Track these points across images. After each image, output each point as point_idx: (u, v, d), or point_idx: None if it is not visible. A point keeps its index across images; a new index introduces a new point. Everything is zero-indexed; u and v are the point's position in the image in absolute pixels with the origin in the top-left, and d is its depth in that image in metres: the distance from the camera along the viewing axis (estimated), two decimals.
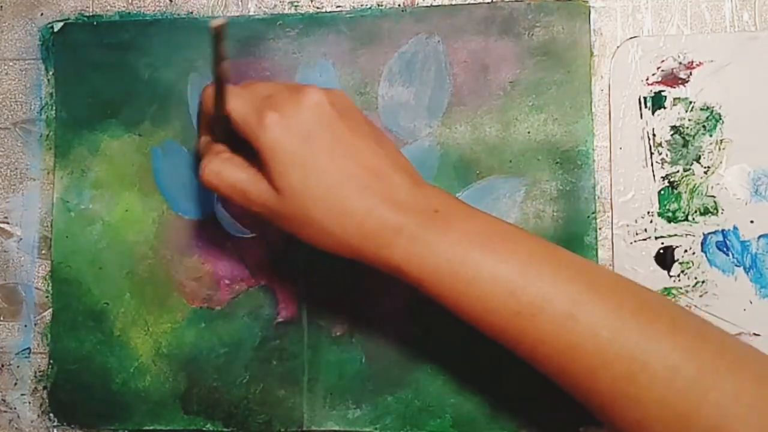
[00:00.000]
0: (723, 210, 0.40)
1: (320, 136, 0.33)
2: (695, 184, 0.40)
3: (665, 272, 0.40)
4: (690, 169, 0.40)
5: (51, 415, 0.43)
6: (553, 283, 0.31)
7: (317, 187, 0.32)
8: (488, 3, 0.42)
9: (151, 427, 0.42)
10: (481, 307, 0.31)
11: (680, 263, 0.40)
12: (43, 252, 0.44)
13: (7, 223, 0.44)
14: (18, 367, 0.44)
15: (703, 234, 0.40)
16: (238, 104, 0.33)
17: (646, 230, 0.40)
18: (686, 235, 0.40)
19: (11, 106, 0.45)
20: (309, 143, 0.32)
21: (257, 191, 0.33)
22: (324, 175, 0.32)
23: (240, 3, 0.44)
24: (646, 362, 0.29)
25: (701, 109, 0.40)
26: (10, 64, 0.45)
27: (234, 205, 0.42)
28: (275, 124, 0.32)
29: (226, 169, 0.34)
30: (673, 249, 0.40)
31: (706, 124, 0.40)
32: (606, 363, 0.30)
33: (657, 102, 0.40)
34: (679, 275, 0.40)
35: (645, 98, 0.41)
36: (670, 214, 0.40)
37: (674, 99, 0.40)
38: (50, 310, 0.44)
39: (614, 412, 0.30)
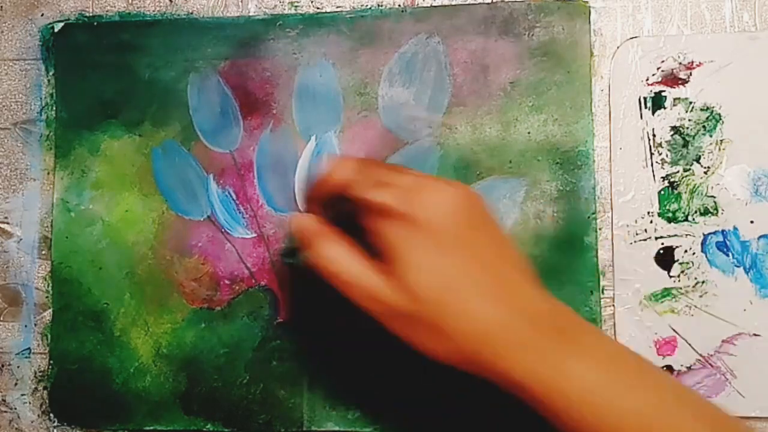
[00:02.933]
0: (723, 210, 0.40)
1: (460, 237, 0.31)
2: (695, 185, 0.40)
3: (665, 272, 0.40)
4: (690, 169, 0.40)
5: (51, 415, 0.43)
6: (678, 415, 0.30)
7: (451, 294, 0.31)
8: (488, 3, 0.42)
9: (152, 428, 0.42)
10: None
11: (680, 263, 0.40)
12: (43, 252, 0.44)
13: (8, 223, 0.44)
14: (18, 367, 0.44)
15: (703, 234, 0.40)
16: (381, 194, 0.32)
17: (646, 230, 0.40)
18: (686, 235, 0.40)
19: (11, 106, 0.45)
20: (452, 243, 0.31)
21: (377, 287, 0.32)
22: (459, 278, 0.31)
23: (240, 3, 0.44)
24: None
25: (701, 110, 0.40)
26: (11, 64, 0.45)
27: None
28: (424, 212, 0.31)
29: (344, 256, 0.33)
30: (673, 249, 0.40)
31: (706, 124, 0.40)
32: None
33: (657, 102, 0.40)
34: (679, 275, 0.40)
35: (645, 98, 0.40)
36: (670, 215, 0.40)
37: (674, 99, 0.40)
38: (50, 310, 0.44)
39: None
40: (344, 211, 0.33)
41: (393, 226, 0.32)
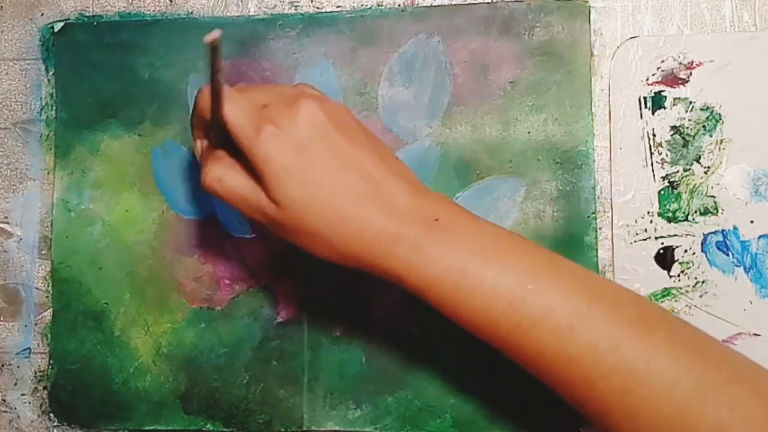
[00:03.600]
0: (723, 210, 0.40)
1: (316, 147, 0.32)
2: (695, 184, 0.40)
3: (665, 272, 0.40)
4: (690, 169, 0.40)
5: (51, 415, 0.43)
6: (553, 294, 0.31)
7: (315, 199, 0.32)
8: (488, 3, 0.42)
9: (152, 427, 0.42)
10: (481, 319, 0.32)
11: (680, 263, 0.40)
12: (43, 252, 0.44)
13: (7, 223, 0.44)
14: (18, 367, 0.44)
15: (703, 234, 0.40)
16: (236, 114, 0.33)
17: (646, 230, 0.40)
18: (686, 235, 0.40)
19: (11, 106, 0.45)
20: (305, 155, 0.32)
21: (257, 200, 0.33)
22: (321, 187, 0.32)
23: (240, 3, 0.44)
24: (644, 375, 0.29)
25: (701, 109, 0.40)
26: (11, 64, 0.45)
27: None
28: (271, 137, 0.32)
29: (228, 176, 0.34)
30: (673, 249, 0.40)
31: (706, 124, 0.40)
32: (604, 375, 0.30)
33: (657, 102, 0.40)
34: (679, 275, 0.40)
35: (645, 98, 0.41)
36: (670, 214, 0.40)
37: (674, 99, 0.40)
38: (50, 310, 0.44)
39: (612, 423, 0.30)
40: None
41: (251, 149, 0.33)
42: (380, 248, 0.32)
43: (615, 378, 0.30)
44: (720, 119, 0.40)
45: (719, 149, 0.40)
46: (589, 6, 0.41)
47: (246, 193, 0.34)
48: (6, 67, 0.45)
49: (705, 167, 0.40)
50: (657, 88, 0.40)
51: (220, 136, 0.35)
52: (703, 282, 0.39)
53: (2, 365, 0.44)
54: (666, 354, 0.29)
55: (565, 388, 0.31)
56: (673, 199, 0.40)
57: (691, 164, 0.40)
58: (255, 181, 0.34)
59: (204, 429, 0.42)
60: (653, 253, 0.40)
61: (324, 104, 0.33)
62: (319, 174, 0.32)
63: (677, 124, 0.40)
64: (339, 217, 0.32)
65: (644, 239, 0.40)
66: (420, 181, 0.35)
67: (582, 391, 0.31)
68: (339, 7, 0.43)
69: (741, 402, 0.28)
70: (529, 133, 0.41)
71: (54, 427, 0.43)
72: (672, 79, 0.40)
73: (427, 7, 0.43)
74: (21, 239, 0.44)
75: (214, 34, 0.29)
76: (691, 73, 0.40)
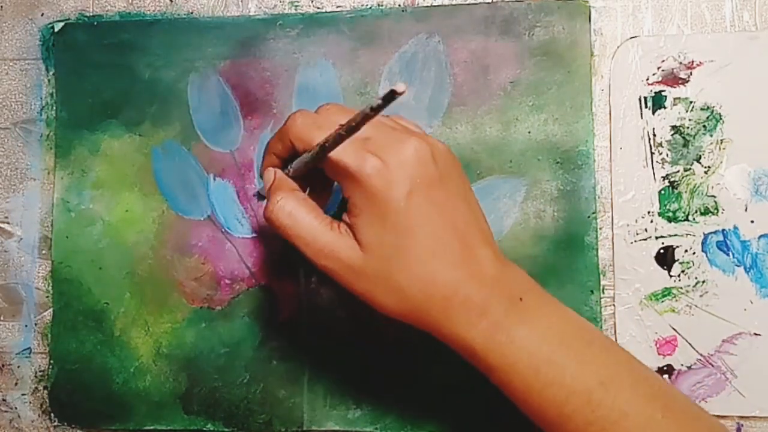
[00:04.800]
0: (723, 210, 0.40)
1: (421, 195, 0.30)
2: (695, 184, 0.40)
3: (665, 272, 0.40)
4: (690, 169, 0.40)
5: (51, 414, 0.43)
6: (630, 398, 0.30)
7: (409, 251, 0.30)
8: (488, 3, 0.42)
9: (152, 427, 0.42)
10: (553, 411, 0.30)
11: (680, 263, 0.40)
12: (44, 252, 0.44)
13: (8, 223, 0.44)
14: (18, 367, 0.44)
15: (704, 234, 0.40)
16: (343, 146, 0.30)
17: (646, 230, 0.40)
18: (686, 235, 0.40)
19: (11, 106, 0.45)
20: (409, 200, 0.30)
21: (332, 242, 0.31)
22: (419, 240, 0.30)
23: (240, 3, 0.44)
24: None
25: (701, 109, 0.40)
26: (11, 64, 0.45)
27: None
28: (375, 171, 0.30)
29: (300, 211, 0.32)
30: (674, 249, 0.40)
31: (706, 124, 0.40)
32: None
33: (657, 102, 0.40)
34: (679, 275, 0.40)
35: (645, 98, 0.40)
36: (670, 214, 0.40)
37: (674, 99, 0.40)
38: (50, 310, 0.44)
39: None
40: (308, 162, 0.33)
41: (352, 181, 0.30)
42: (462, 317, 0.31)
43: None
44: (720, 119, 0.40)
45: (719, 149, 0.40)
46: (589, 6, 0.41)
47: (318, 233, 0.31)
48: (6, 67, 0.45)
49: (705, 167, 0.40)
50: (657, 87, 0.40)
51: (306, 164, 0.33)
52: (703, 282, 0.39)
53: (2, 365, 0.44)
54: None
55: None
56: (674, 199, 0.40)
57: (692, 164, 0.40)
58: (332, 220, 0.32)
59: (204, 429, 0.42)
60: (654, 253, 0.40)
61: (434, 148, 0.31)
62: (420, 225, 0.30)
63: (677, 124, 0.40)
64: (429, 278, 0.30)
65: (644, 239, 0.40)
66: (498, 247, 0.33)
67: None
68: (339, 7, 0.43)
69: None
70: (529, 133, 0.41)
71: (54, 427, 0.43)
72: (672, 79, 0.40)
73: (427, 7, 0.43)
74: (21, 239, 0.44)
75: (402, 86, 0.25)
76: (691, 73, 0.40)
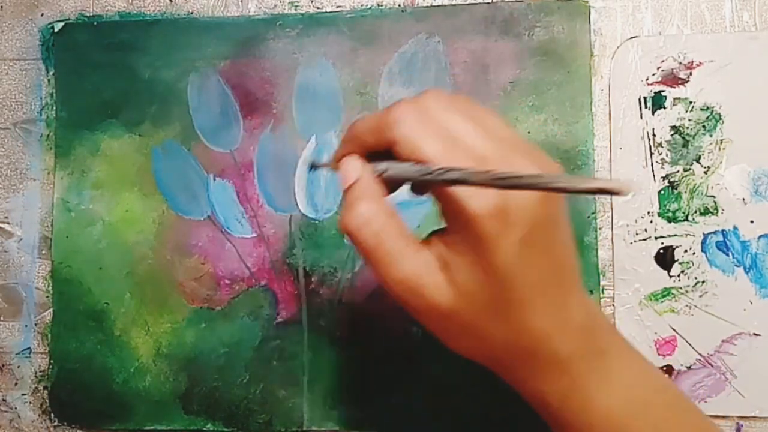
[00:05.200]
0: (723, 210, 0.40)
1: (534, 239, 0.26)
2: (695, 184, 0.40)
3: (665, 272, 0.40)
4: (690, 169, 0.40)
5: (51, 414, 0.43)
6: None
7: (507, 304, 0.27)
8: (488, 3, 0.42)
9: (152, 427, 0.42)
10: None
11: (680, 263, 0.40)
12: (44, 252, 0.44)
13: (8, 223, 0.44)
14: (18, 367, 0.44)
15: (703, 234, 0.40)
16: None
17: (646, 230, 0.40)
18: (686, 235, 0.40)
19: (11, 106, 0.45)
20: (522, 251, 0.26)
21: (421, 277, 0.27)
22: (519, 291, 0.27)
23: (240, 3, 0.44)
24: None
25: (701, 109, 0.40)
26: (11, 64, 0.45)
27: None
28: (497, 213, 0.25)
29: (390, 233, 0.27)
30: (673, 249, 0.40)
31: (706, 124, 0.40)
32: None
33: (657, 102, 0.40)
34: (679, 275, 0.40)
35: (645, 98, 0.40)
36: (670, 214, 0.40)
37: (674, 99, 0.40)
38: (50, 310, 0.44)
39: None
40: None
41: (462, 214, 0.26)
42: (545, 372, 0.28)
43: None
44: (720, 119, 0.40)
45: (719, 149, 0.40)
46: (589, 6, 0.41)
47: (404, 260, 0.27)
48: (6, 67, 0.45)
49: (705, 167, 0.40)
50: (657, 88, 0.40)
51: (403, 180, 0.28)
52: (703, 282, 0.39)
53: (3, 365, 0.44)
54: None
55: None
56: (673, 199, 0.40)
57: (691, 164, 0.40)
58: (424, 249, 0.27)
59: (204, 429, 0.42)
60: (653, 253, 0.40)
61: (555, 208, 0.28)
62: (525, 274, 0.26)
63: (677, 124, 0.40)
64: (519, 328, 0.27)
65: (644, 239, 0.40)
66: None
67: None
68: (339, 7, 0.43)
69: None
70: (529, 133, 0.41)
71: (54, 426, 0.43)
72: (672, 79, 0.40)
73: (427, 7, 0.43)
74: (21, 239, 0.44)
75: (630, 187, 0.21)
76: (691, 73, 0.40)
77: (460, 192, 0.25)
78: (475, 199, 0.25)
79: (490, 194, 0.25)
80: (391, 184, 0.29)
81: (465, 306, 0.27)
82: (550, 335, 0.28)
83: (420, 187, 0.30)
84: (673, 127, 0.40)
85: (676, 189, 0.40)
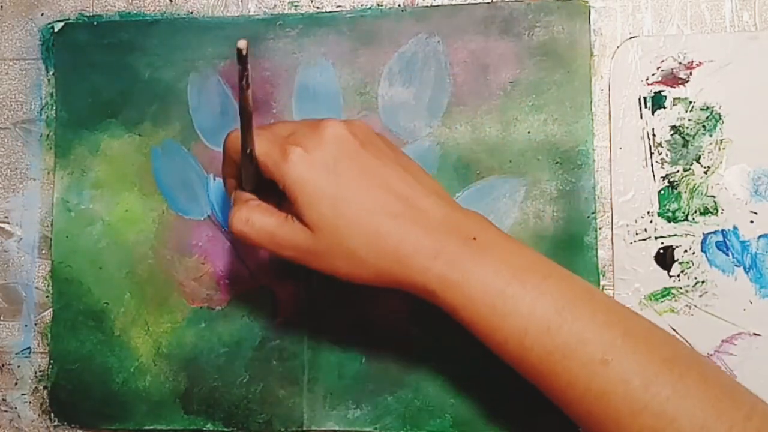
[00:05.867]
0: (723, 210, 0.40)
1: (344, 166, 0.32)
2: (695, 184, 0.40)
3: (665, 272, 0.40)
4: (690, 169, 0.40)
5: (51, 414, 0.43)
6: (589, 325, 0.30)
7: (348, 217, 0.32)
8: (488, 3, 0.42)
9: (152, 427, 0.42)
10: (514, 342, 0.31)
11: (680, 263, 0.40)
12: (44, 252, 0.44)
13: (8, 223, 0.44)
14: (18, 366, 0.44)
15: (703, 234, 0.40)
16: (262, 144, 0.33)
17: (646, 230, 0.40)
18: (686, 235, 0.40)
19: (11, 106, 0.45)
20: (335, 175, 0.32)
21: (287, 233, 0.33)
22: (353, 204, 0.32)
23: (240, 3, 0.44)
24: (674, 417, 0.29)
25: (701, 109, 0.40)
26: (11, 64, 0.45)
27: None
28: (299, 159, 0.32)
29: (255, 215, 0.34)
30: (673, 249, 0.40)
31: (706, 124, 0.40)
32: (634, 413, 0.29)
33: (657, 102, 0.40)
34: (679, 275, 0.40)
35: (645, 98, 0.41)
36: (670, 214, 0.40)
37: (674, 99, 0.40)
38: (50, 310, 0.44)
39: None
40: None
41: (281, 174, 0.33)
42: (416, 263, 0.32)
43: (644, 416, 0.29)
44: (720, 119, 0.40)
45: (719, 149, 0.40)
46: (589, 6, 0.41)
47: (274, 229, 0.33)
48: (6, 67, 0.45)
49: (705, 167, 0.40)
50: (657, 88, 0.40)
51: (249, 175, 0.35)
52: (703, 282, 0.40)
53: (2, 365, 0.44)
54: (698, 398, 0.29)
55: (593, 423, 0.31)
56: (673, 199, 0.40)
57: (691, 164, 0.40)
58: (285, 215, 0.34)
59: (204, 429, 0.42)
60: (653, 253, 0.40)
61: (349, 125, 0.34)
62: (350, 192, 0.32)
63: (677, 124, 0.40)
64: (373, 234, 0.32)
65: (644, 239, 0.40)
66: (452, 198, 0.35)
67: (610, 427, 0.30)
68: (339, 7, 0.43)
69: None
70: (528, 133, 0.41)
71: (54, 426, 0.43)
72: (672, 79, 0.40)
73: (427, 7, 0.43)
74: (21, 239, 0.44)
75: (243, 42, 0.28)
76: (691, 73, 0.40)
77: (274, 158, 0.33)
78: (284, 157, 0.32)
79: (294, 148, 0.32)
80: (267, 188, 0.35)
81: (323, 237, 0.32)
82: (405, 231, 0.32)
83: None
84: (673, 127, 0.40)
85: (676, 189, 0.40)
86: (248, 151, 0.33)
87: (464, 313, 0.32)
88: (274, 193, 0.34)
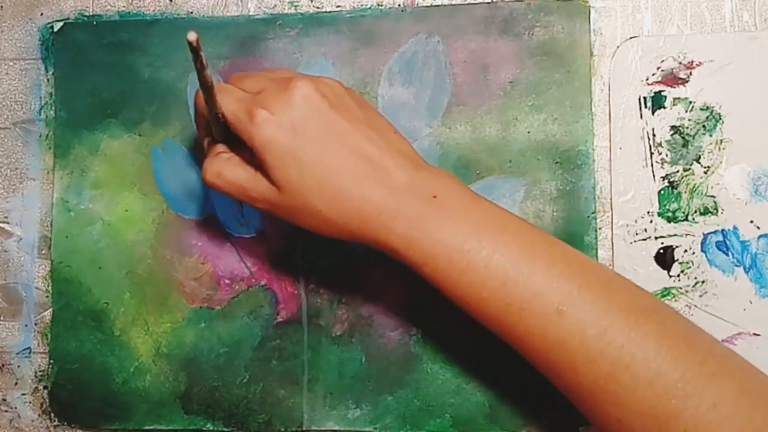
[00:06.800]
0: (723, 210, 0.40)
1: (311, 128, 0.33)
2: (695, 184, 0.40)
3: (665, 272, 0.40)
4: (690, 169, 0.40)
5: (51, 414, 0.43)
6: (544, 277, 0.31)
7: (313, 179, 0.33)
8: (488, 3, 0.42)
9: (152, 427, 0.42)
10: (473, 296, 0.32)
11: (680, 263, 0.40)
12: (43, 252, 0.44)
13: (7, 223, 0.44)
14: (18, 366, 0.44)
15: (703, 234, 0.40)
16: (230, 104, 0.34)
17: (646, 230, 0.40)
18: (686, 235, 0.40)
19: (11, 106, 0.45)
20: (301, 136, 0.33)
21: (258, 188, 0.34)
22: (318, 166, 0.33)
23: (240, 3, 0.44)
24: (629, 363, 0.30)
25: (701, 109, 0.40)
26: (10, 64, 0.45)
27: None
28: (266, 121, 0.33)
29: (226, 169, 0.35)
30: (673, 249, 0.40)
31: (706, 124, 0.40)
32: (590, 360, 0.30)
33: (657, 102, 0.40)
34: (679, 275, 0.40)
35: (645, 98, 0.41)
36: (670, 214, 0.40)
37: (674, 99, 0.40)
38: (50, 309, 0.44)
39: (595, 408, 0.31)
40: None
41: (249, 135, 0.33)
42: (379, 223, 0.33)
43: (600, 364, 0.30)
44: (720, 119, 0.40)
45: (719, 149, 0.40)
46: (589, 6, 0.41)
47: (244, 182, 0.34)
48: (6, 67, 0.45)
49: (705, 167, 0.40)
50: (657, 88, 0.40)
51: (221, 129, 0.35)
52: (703, 282, 0.40)
53: (2, 365, 0.44)
54: (653, 344, 0.30)
55: (552, 371, 0.32)
56: (673, 199, 0.40)
57: (691, 164, 0.40)
58: (255, 169, 0.34)
59: (204, 429, 0.42)
60: (653, 253, 0.40)
61: (318, 84, 0.34)
62: (315, 154, 0.33)
63: (677, 124, 0.40)
64: (337, 195, 0.33)
65: (644, 239, 0.40)
66: (420, 157, 0.35)
67: (568, 375, 0.31)
68: (339, 7, 0.43)
69: (724, 398, 0.29)
70: (528, 132, 0.41)
71: (54, 426, 0.43)
72: (672, 79, 0.40)
73: (427, 7, 0.42)
74: (21, 239, 0.44)
75: (194, 35, 0.29)
76: (691, 73, 0.40)
77: (241, 119, 0.33)
78: (250, 118, 0.33)
79: (260, 111, 0.33)
80: (230, 136, 0.36)
81: (289, 197, 0.33)
82: (369, 193, 0.33)
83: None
84: (673, 127, 0.40)
85: (676, 189, 0.40)
86: (216, 114, 0.34)
87: (426, 269, 0.33)
88: (245, 144, 0.35)
